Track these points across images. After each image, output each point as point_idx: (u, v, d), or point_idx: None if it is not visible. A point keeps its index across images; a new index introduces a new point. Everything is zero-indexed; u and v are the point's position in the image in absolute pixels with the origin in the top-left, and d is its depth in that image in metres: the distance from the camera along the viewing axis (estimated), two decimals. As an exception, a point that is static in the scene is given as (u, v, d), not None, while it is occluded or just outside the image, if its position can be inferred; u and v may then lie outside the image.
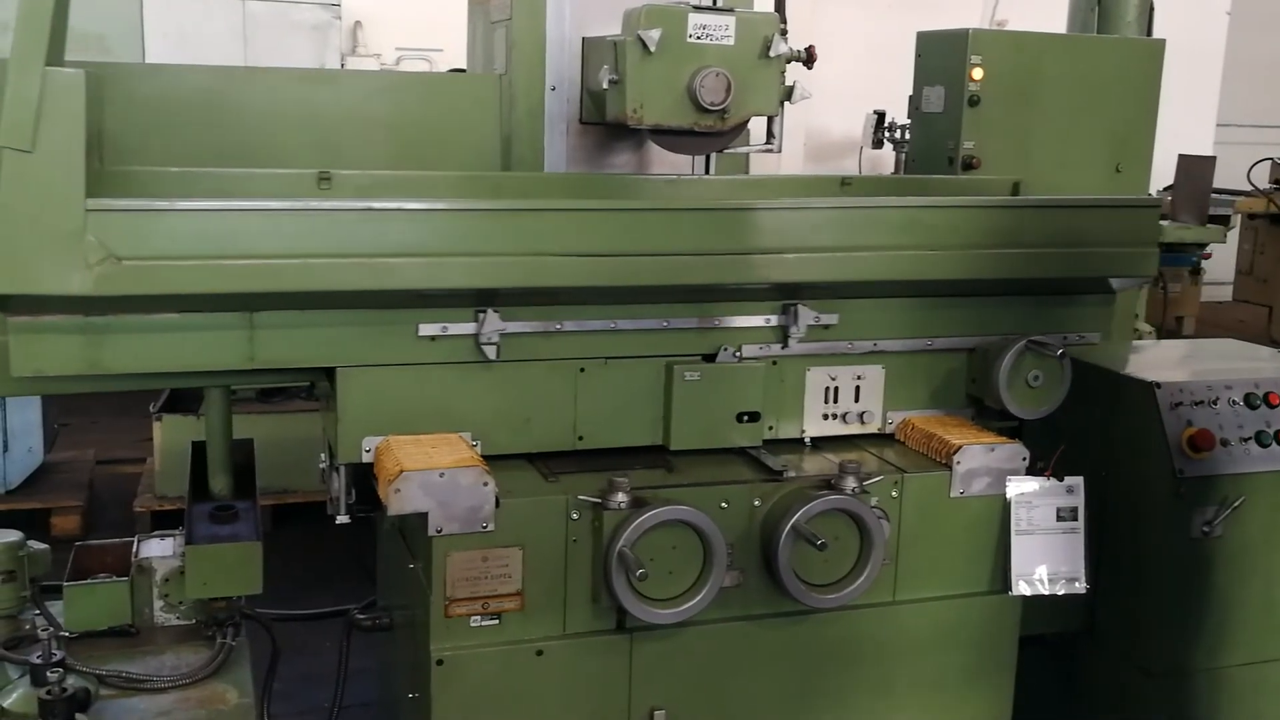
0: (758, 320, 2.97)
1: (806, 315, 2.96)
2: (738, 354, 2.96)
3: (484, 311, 2.73)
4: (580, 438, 2.90)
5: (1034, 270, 3.08)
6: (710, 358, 2.95)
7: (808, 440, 3.10)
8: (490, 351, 2.75)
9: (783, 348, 3.00)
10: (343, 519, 2.86)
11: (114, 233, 2.39)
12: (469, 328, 2.74)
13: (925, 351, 3.13)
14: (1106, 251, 3.14)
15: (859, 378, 3.09)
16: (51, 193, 2.35)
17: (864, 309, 3.05)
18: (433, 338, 2.73)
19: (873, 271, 2.94)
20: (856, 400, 3.10)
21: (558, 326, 2.81)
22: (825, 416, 3.09)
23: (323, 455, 2.98)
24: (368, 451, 2.74)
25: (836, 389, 3.09)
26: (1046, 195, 3.76)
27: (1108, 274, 3.18)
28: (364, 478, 2.82)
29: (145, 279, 2.43)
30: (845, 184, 3.69)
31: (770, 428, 3.03)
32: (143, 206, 2.46)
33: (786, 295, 2.96)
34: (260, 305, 2.61)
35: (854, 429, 3.11)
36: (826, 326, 3.01)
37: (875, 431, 3.14)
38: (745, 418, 2.96)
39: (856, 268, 2.92)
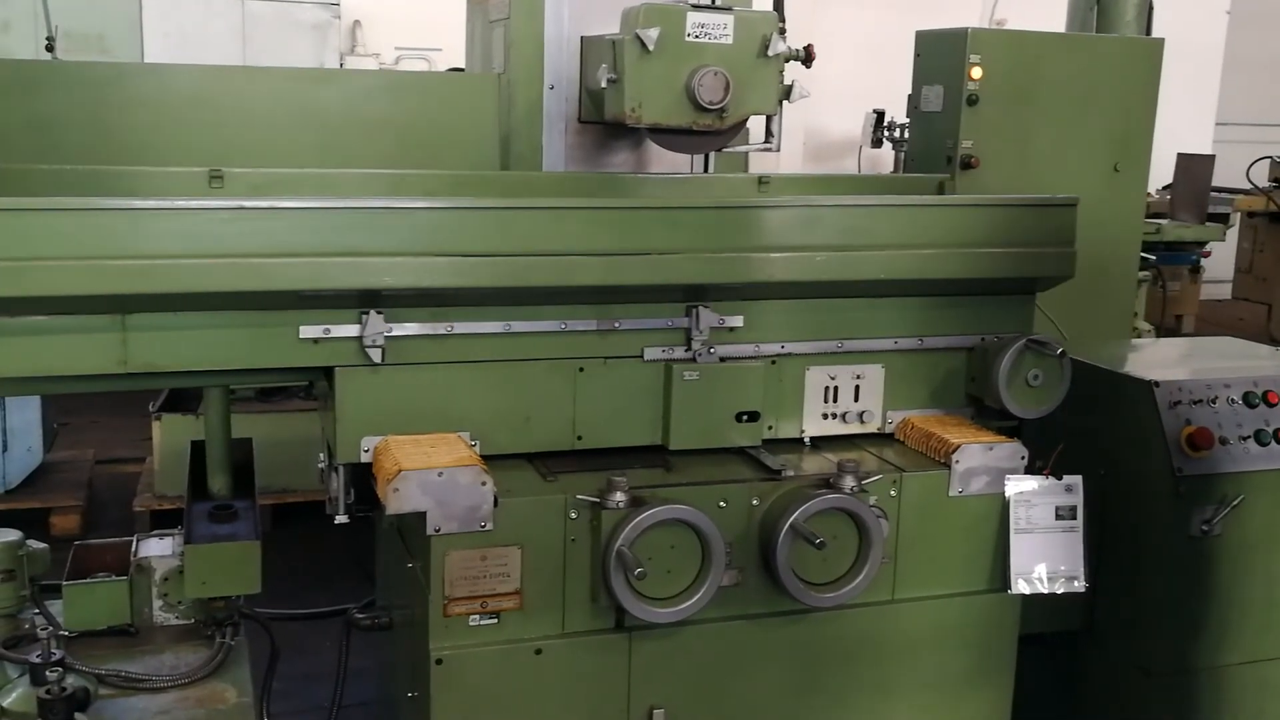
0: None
1: (710, 319, 2.90)
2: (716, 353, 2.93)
3: (368, 313, 2.65)
4: (579, 437, 2.90)
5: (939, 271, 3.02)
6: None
7: (807, 440, 3.10)
8: (375, 355, 2.67)
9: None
10: (341, 519, 2.86)
11: None
12: (353, 330, 2.66)
13: (925, 351, 3.13)
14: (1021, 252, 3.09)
15: (858, 377, 3.09)
16: None
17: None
18: (315, 340, 2.66)
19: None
20: (856, 400, 3.10)
21: (449, 329, 2.73)
22: (825, 416, 3.09)
23: (321, 455, 2.98)
24: (366, 452, 2.73)
25: (836, 388, 3.08)
26: (1042, 194, 3.75)
27: (1020, 274, 3.13)
28: (363, 478, 2.81)
29: (12, 280, 2.36)
30: (763, 183, 3.64)
31: (770, 427, 3.03)
32: (8, 205, 2.38)
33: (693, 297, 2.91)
34: (134, 307, 2.53)
35: (854, 429, 3.11)
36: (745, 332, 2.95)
37: (875, 431, 3.14)
38: (744, 417, 2.96)
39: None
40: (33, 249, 2.37)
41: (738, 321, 2.94)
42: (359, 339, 2.67)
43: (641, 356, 2.90)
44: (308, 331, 2.64)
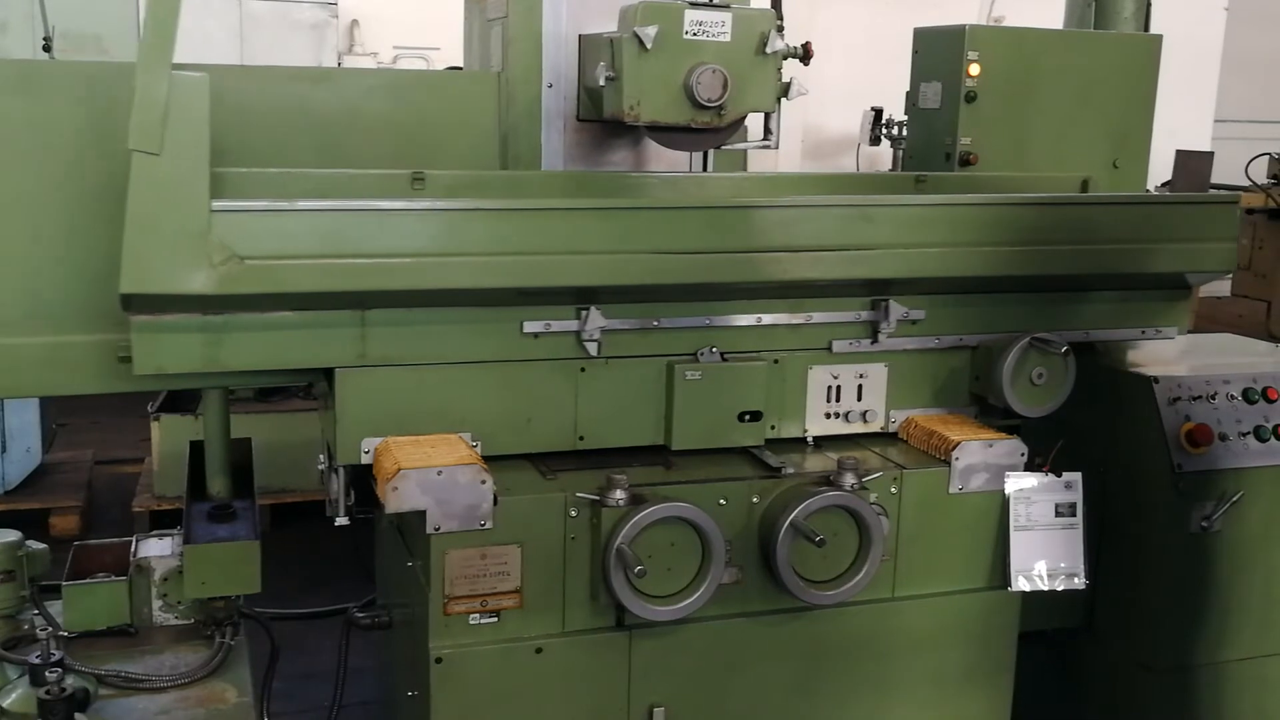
0: (849, 315, 3.03)
1: (897, 310, 3.03)
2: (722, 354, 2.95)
3: (586, 309, 2.79)
4: (581, 438, 2.89)
5: (1110, 266, 3.15)
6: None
7: (810, 440, 3.10)
8: (592, 348, 2.82)
9: (873, 343, 3.07)
10: (342, 521, 2.86)
11: (237, 233, 2.45)
12: (572, 324, 2.80)
13: (928, 350, 3.13)
14: (1186, 247, 3.20)
15: (861, 376, 3.09)
16: (178, 194, 2.40)
17: (950, 304, 3.11)
18: (536, 335, 2.78)
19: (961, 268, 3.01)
20: (859, 399, 3.10)
21: (655, 323, 2.88)
22: (828, 415, 3.09)
23: (321, 457, 2.98)
24: (367, 453, 2.73)
25: (839, 388, 3.08)
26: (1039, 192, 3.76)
27: (1185, 269, 3.25)
28: (363, 479, 2.82)
29: (265, 278, 2.49)
30: (920, 181, 3.72)
31: (772, 427, 3.02)
32: (266, 207, 2.52)
33: (877, 291, 3.03)
34: (372, 303, 2.67)
35: (857, 428, 3.11)
36: (914, 321, 3.08)
37: (878, 430, 3.13)
38: (747, 417, 2.96)
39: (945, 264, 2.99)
40: (283, 249, 2.49)
41: (920, 314, 3.06)
42: (578, 334, 2.81)
43: (829, 349, 3.01)
44: (531, 327, 2.77)
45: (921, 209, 3.04)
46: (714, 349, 2.94)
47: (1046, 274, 3.10)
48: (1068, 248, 3.09)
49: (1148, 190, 5.23)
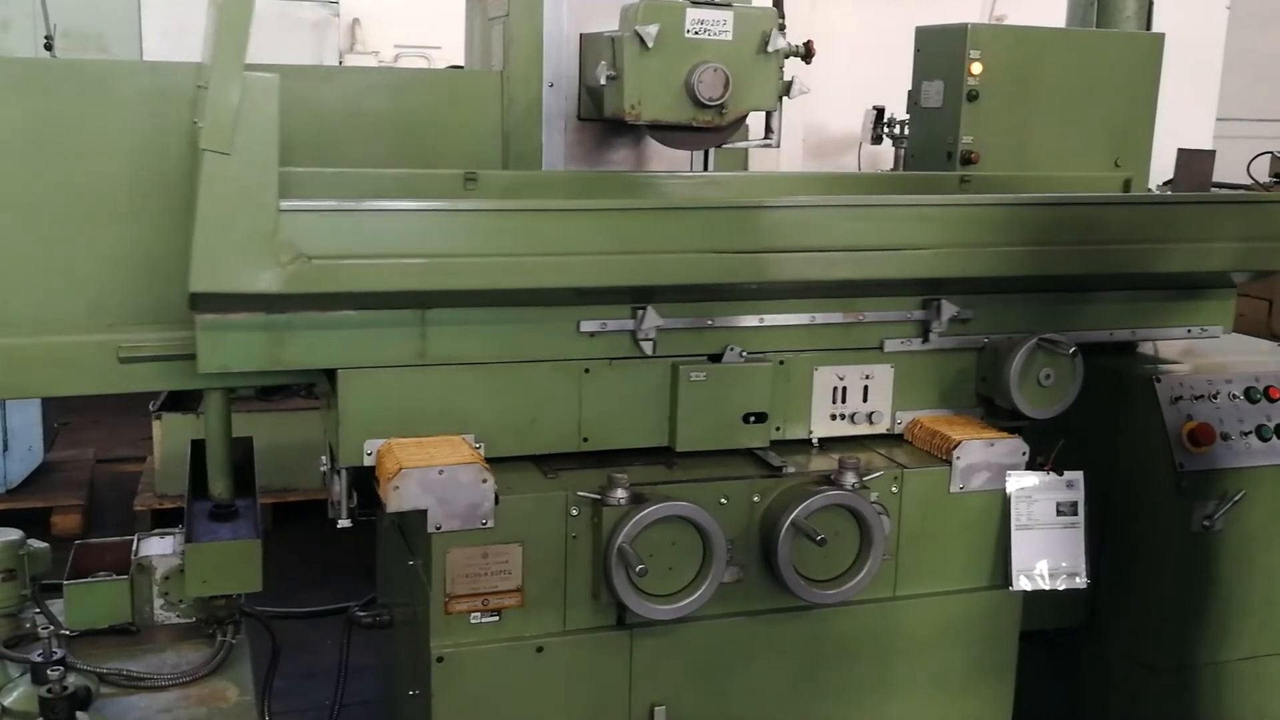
0: (902, 314, 3.06)
1: (949, 310, 3.04)
2: (742, 354, 2.95)
3: (643, 308, 2.81)
4: (585, 439, 2.89)
5: (1161, 265, 3.18)
6: (716, 358, 2.95)
7: (815, 441, 3.09)
8: (647, 347, 2.85)
9: (924, 341, 3.08)
10: (344, 523, 2.85)
11: (305, 233, 2.47)
12: (629, 324, 2.83)
13: (933, 351, 3.13)
14: (1236, 246, 3.23)
15: (867, 377, 3.09)
16: (247, 194, 2.42)
17: (991, 303, 3.13)
18: (593, 334, 2.81)
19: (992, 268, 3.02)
20: (865, 400, 3.10)
21: (709, 323, 2.91)
22: (833, 417, 3.08)
23: (324, 458, 2.98)
24: (369, 455, 2.73)
25: (844, 389, 3.08)
26: (1039, 191, 3.76)
27: (1233, 268, 3.30)
28: (365, 480, 2.81)
29: (331, 277, 2.51)
30: (964, 182, 3.76)
31: (777, 428, 3.02)
32: (334, 207, 2.55)
33: (929, 290, 3.05)
34: (433, 303, 2.70)
35: (862, 429, 3.10)
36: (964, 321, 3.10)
37: (884, 432, 3.13)
38: (752, 419, 2.95)
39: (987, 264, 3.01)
40: (349, 248, 2.52)
41: (970, 314, 3.07)
42: (633, 332, 2.83)
43: (881, 348, 3.03)
44: (588, 326, 2.80)
45: (971, 209, 3.06)
46: (735, 348, 2.94)
47: (1093, 273, 3.14)
48: (1119, 247, 3.11)
49: (1149, 190, 5.22)
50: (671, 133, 3.30)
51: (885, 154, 9.42)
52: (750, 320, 2.96)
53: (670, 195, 3.46)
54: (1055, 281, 3.16)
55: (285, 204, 2.46)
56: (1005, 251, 3.00)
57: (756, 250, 2.79)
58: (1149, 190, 5.18)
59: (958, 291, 3.07)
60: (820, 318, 3.00)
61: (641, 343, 2.85)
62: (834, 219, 2.88)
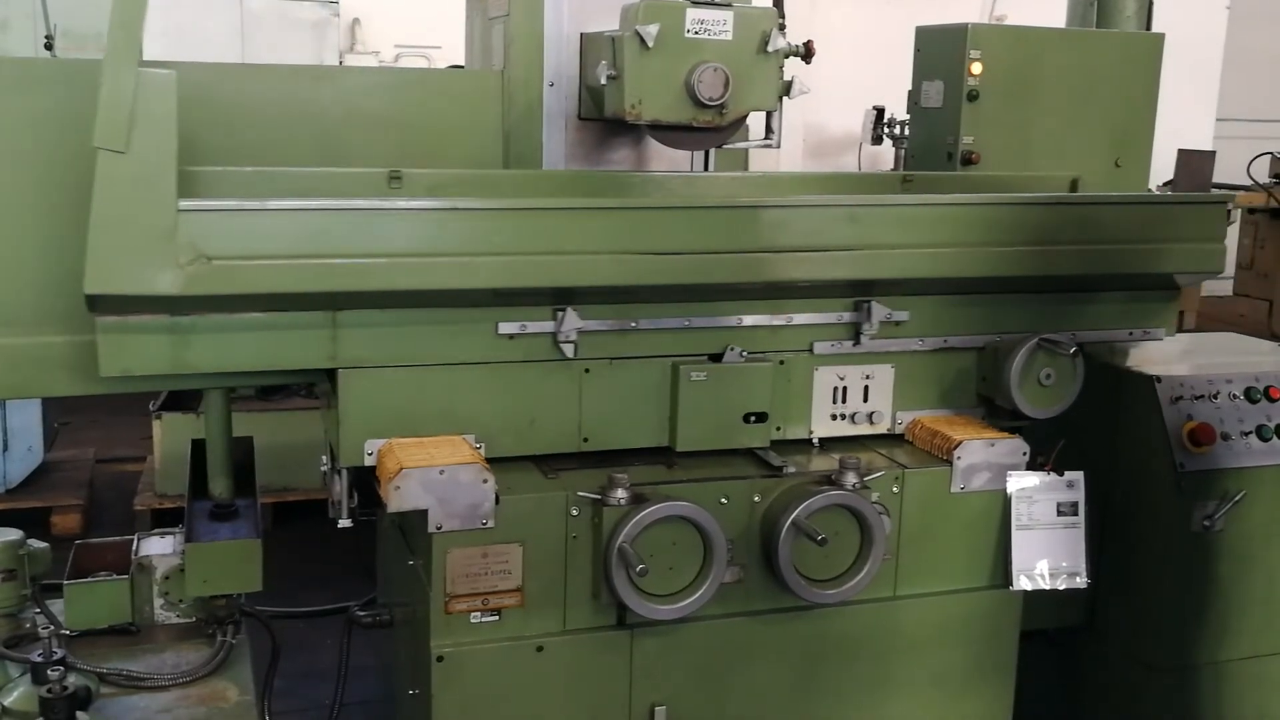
0: (830, 317, 3.00)
1: (880, 312, 2.99)
2: (743, 354, 2.94)
3: (563, 309, 2.75)
4: (585, 439, 2.89)
5: (1099, 267, 3.13)
6: (717, 357, 2.93)
7: (816, 441, 3.09)
8: (568, 350, 2.78)
9: (854, 344, 3.03)
10: (345, 523, 2.85)
11: (205, 233, 2.42)
12: (548, 325, 2.77)
13: (935, 351, 3.12)
14: (1175, 247, 3.18)
15: (868, 377, 3.08)
16: (144, 193, 2.37)
17: (936, 305, 3.08)
18: (512, 336, 2.75)
19: (939, 269, 2.98)
20: (865, 400, 3.09)
21: (633, 324, 2.84)
22: (834, 417, 3.08)
23: (324, 458, 2.97)
24: (369, 455, 2.72)
25: (845, 389, 3.07)
26: (1040, 191, 3.76)
27: (1175, 270, 3.22)
28: (366, 480, 2.81)
29: (234, 279, 2.46)
30: (906, 181, 3.71)
31: (778, 428, 3.01)
32: (234, 207, 2.49)
33: (859, 292, 2.99)
34: (344, 304, 2.64)
35: (863, 429, 3.10)
36: (898, 323, 3.04)
37: (885, 432, 3.12)
38: (752, 418, 2.95)
39: (922, 265, 2.96)
40: (252, 249, 2.46)
41: (904, 315, 3.02)
42: (554, 335, 2.76)
43: (811, 351, 2.97)
44: (506, 328, 2.73)
45: (905, 209, 3.01)
46: (736, 348, 2.92)
47: (1031, 275, 3.07)
48: (1053, 248, 3.05)
49: (1149, 190, 5.23)
50: (672, 133, 3.30)
51: (885, 154, 9.43)
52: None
53: (598, 194, 3.34)
54: (991, 283, 3.09)
55: (184, 203, 2.40)
56: (937, 253, 2.94)
57: (676, 252, 2.73)
58: (1149, 190, 5.18)
59: (894, 293, 3.01)
60: (748, 319, 2.94)
61: (562, 345, 2.77)
62: (758, 220, 2.83)
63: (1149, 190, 5.13)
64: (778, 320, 2.96)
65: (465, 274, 2.61)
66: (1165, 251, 3.17)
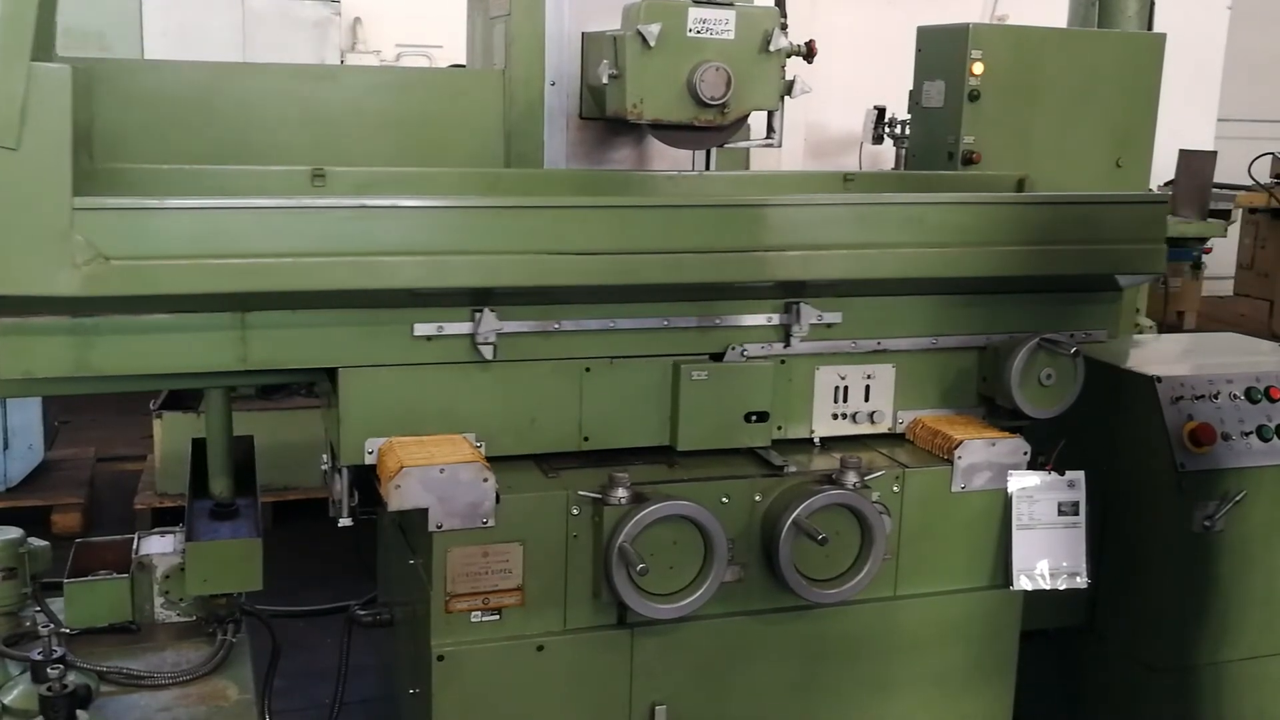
0: (759, 319, 2.94)
1: (809, 314, 2.94)
2: (744, 353, 2.93)
3: (480, 311, 2.70)
4: (586, 438, 2.88)
5: (1042, 267, 3.06)
6: (718, 357, 2.92)
7: (817, 440, 3.09)
8: (487, 351, 2.72)
9: (784, 346, 2.97)
10: (345, 522, 2.84)
11: (102, 232, 2.35)
12: (465, 327, 2.71)
13: (936, 350, 3.11)
14: (1116, 248, 3.12)
15: (869, 377, 3.08)
16: (37, 191, 2.31)
17: (870, 307, 3.02)
18: (428, 338, 2.70)
19: (878, 269, 2.92)
20: (867, 400, 3.09)
21: (556, 326, 2.78)
22: (835, 416, 3.07)
23: (324, 457, 2.97)
24: (370, 453, 2.72)
25: (846, 388, 3.07)
26: (1049, 190, 3.75)
27: (1117, 271, 3.16)
28: (366, 479, 2.80)
29: (135, 279, 2.39)
30: (848, 180, 3.68)
31: (779, 428, 3.01)
32: (131, 205, 2.41)
33: (790, 293, 2.94)
34: (253, 305, 2.57)
35: (864, 429, 3.09)
36: (830, 325, 2.98)
37: (886, 431, 3.12)
38: (753, 418, 2.95)
39: (861, 265, 2.90)
40: (156, 248, 2.40)
41: (836, 317, 2.96)
42: (471, 336, 2.70)
43: (742, 353, 2.92)
44: (422, 329, 2.67)
45: (829, 209, 2.93)
46: (738, 346, 2.91)
47: (960, 276, 3.00)
48: (988, 248, 2.99)
49: (1150, 190, 5.23)
50: (673, 132, 3.30)
51: (886, 154, 9.43)
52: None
53: (505, 192, 3.25)
54: (928, 284, 3.03)
55: (79, 201, 2.33)
56: (864, 254, 2.88)
57: (595, 252, 2.67)
58: (1150, 190, 5.18)
59: (827, 294, 2.95)
60: (673, 321, 2.86)
61: (480, 347, 2.70)
62: (677, 220, 2.76)
63: (1149, 190, 5.13)
64: (706, 322, 2.89)
65: (374, 274, 2.54)
66: (1105, 252, 3.10)
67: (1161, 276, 8.03)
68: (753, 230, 2.82)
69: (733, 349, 2.92)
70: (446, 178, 3.28)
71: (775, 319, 2.95)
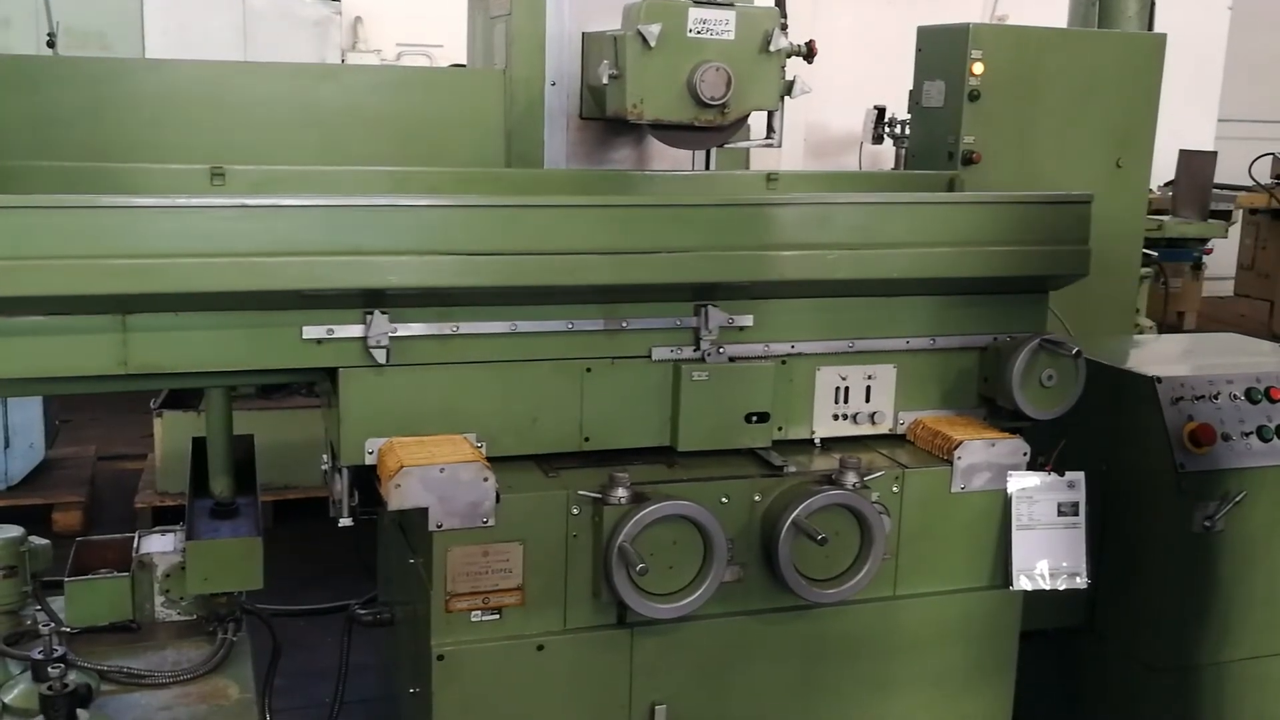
0: (669, 321, 2.86)
1: (718, 317, 2.86)
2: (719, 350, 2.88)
3: (371, 313, 2.62)
4: (587, 439, 2.88)
5: (956, 270, 3.00)
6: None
7: (817, 441, 3.09)
8: (380, 355, 2.63)
9: (694, 350, 2.88)
10: (345, 522, 2.84)
11: None
12: (357, 330, 2.62)
13: (937, 351, 3.11)
14: (1039, 250, 3.06)
15: (870, 377, 3.07)
16: None
17: (782, 310, 2.95)
18: (318, 341, 2.62)
19: (784, 271, 2.85)
20: (867, 400, 3.08)
21: (454, 329, 2.70)
22: (836, 417, 3.07)
23: (325, 456, 2.97)
24: (370, 453, 2.72)
25: (847, 389, 3.06)
26: (1049, 190, 3.75)
27: (1039, 272, 3.10)
28: (366, 479, 2.80)
29: (7, 280, 2.32)
30: (771, 180, 3.61)
31: (779, 428, 3.00)
32: (5, 204, 2.34)
33: (700, 296, 2.86)
34: (134, 307, 2.49)
35: (865, 429, 3.09)
36: (741, 328, 2.91)
37: (886, 432, 3.12)
38: (754, 418, 2.95)
39: (770, 268, 2.84)
40: (31, 248, 2.33)
41: (747, 321, 2.91)
42: (363, 339, 2.64)
43: (649, 357, 2.88)
44: (311, 332, 2.61)
45: (737, 209, 2.89)
46: (721, 349, 2.89)
47: (875, 278, 2.94)
48: (907, 250, 2.94)
49: (1150, 190, 5.23)
50: (673, 132, 3.30)
51: (886, 153, 9.45)
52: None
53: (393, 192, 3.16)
54: (845, 286, 2.96)
55: None
56: (773, 256, 2.82)
57: (487, 253, 2.61)
58: (1150, 191, 5.18)
59: (738, 296, 2.88)
60: (578, 324, 2.79)
61: (373, 350, 2.62)
62: (577, 219, 2.71)
63: (1150, 191, 5.13)
64: (613, 325, 2.83)
65: (256, 275, 2.46)
66: (1029, 254, 3.05)
67: (1161, 277, 8.03)
68: (656, 231, 2.74)
69: (719, 350, 2.87)
70: (349, 176, 3.19)
71: (680, 321, 2.88)
